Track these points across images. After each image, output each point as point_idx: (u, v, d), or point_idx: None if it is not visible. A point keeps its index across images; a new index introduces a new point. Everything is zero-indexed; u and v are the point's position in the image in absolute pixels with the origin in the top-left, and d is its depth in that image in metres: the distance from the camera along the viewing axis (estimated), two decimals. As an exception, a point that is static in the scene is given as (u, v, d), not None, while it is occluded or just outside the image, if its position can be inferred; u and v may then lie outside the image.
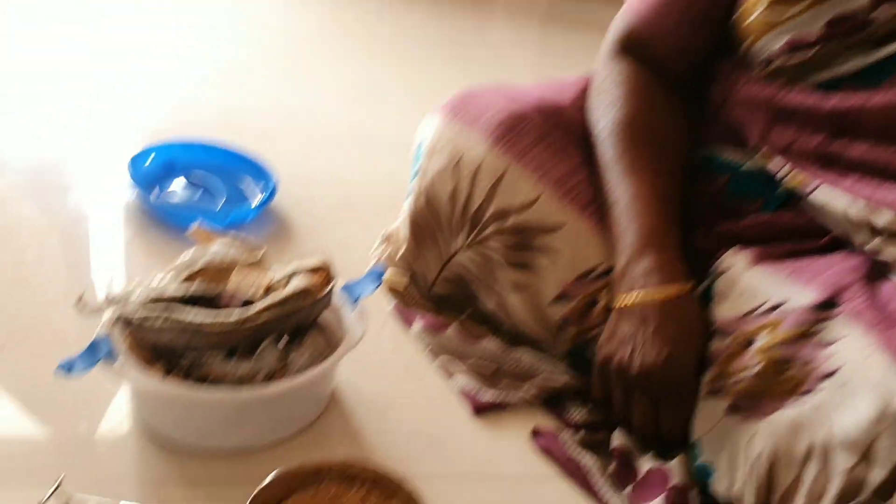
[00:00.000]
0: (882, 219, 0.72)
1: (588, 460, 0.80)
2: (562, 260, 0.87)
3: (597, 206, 0.87)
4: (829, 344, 0.68)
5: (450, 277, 0.95)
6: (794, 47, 0.77)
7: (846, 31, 0.74)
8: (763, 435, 0.69)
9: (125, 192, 1.14)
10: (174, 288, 0.78)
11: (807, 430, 0.66)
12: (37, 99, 1.36)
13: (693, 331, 0.78)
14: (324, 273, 0.81)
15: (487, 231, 0.89)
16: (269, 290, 0.78)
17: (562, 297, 0.87)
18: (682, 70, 0.90)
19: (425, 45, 1.87)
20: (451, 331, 0.94)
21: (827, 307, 0.71)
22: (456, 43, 1.92)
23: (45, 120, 1.31)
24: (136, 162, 1.14)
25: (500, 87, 0.97)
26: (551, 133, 0.90)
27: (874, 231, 0.73)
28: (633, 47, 0.91)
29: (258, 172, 1.19)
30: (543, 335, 0.90)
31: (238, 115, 1.40)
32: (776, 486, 0.68)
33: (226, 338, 0.75)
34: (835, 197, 0.75)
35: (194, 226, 0.87)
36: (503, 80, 1.05)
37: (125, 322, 0.75)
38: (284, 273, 0.80)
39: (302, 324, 0.79)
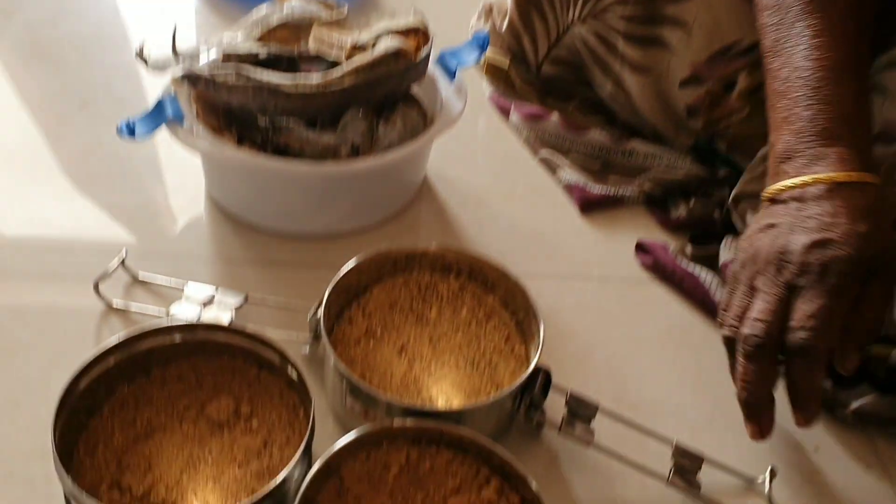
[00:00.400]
0: None
1: (706, 276, 0.70)
2: (694, 34, 0.73)
3: None
4: None
5: (560, 57, 0.84)
6: None
7: None
8: None
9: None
10: (248, 46, 0.68)
11: None
12: None
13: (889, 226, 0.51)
14: (419, 35, 0.69)
15: (607, 0, 0.75)
16: (354, 51, 0.67)
17: (692, 79, 0.74)
18: None
19: None
20: (555, 119, 0.83)
21: None
22: None
23: None
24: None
25: None
26: None
27: None
28: None
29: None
30: (665, 125, 0.79)
31: None
32: None
33: (306, 102, 0.64)
34: None
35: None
36: None
37: (194, 79, 0.65)
38: (372, 33, 0.69)
39: (392, 93, 0.69)
